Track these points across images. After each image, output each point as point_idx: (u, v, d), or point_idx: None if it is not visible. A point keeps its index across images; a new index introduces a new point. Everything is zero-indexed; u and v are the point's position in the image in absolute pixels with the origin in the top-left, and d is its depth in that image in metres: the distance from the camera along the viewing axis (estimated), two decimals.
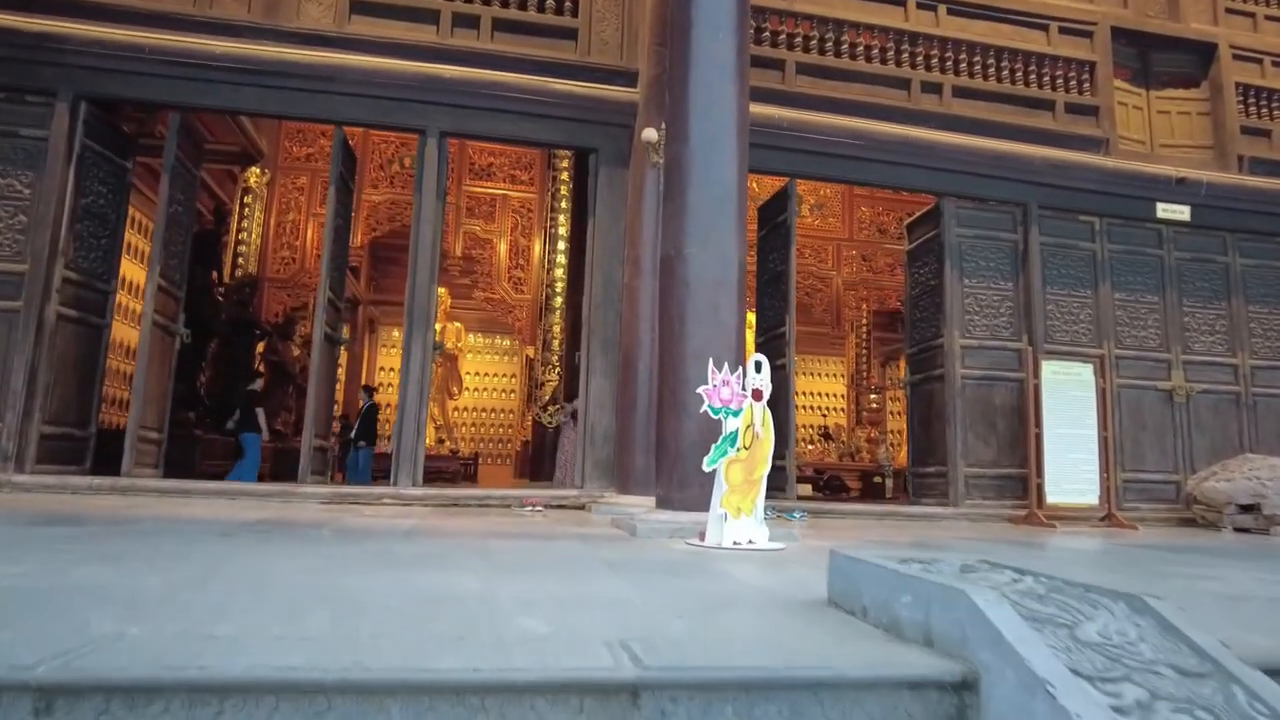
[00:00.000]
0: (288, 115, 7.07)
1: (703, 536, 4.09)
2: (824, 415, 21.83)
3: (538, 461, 16.56)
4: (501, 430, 28.43)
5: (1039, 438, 7.45)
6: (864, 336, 23.00)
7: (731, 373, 4.14)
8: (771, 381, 4.91)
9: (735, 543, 3.96)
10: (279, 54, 6.71)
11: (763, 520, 4.19)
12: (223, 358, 13.48)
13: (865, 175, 8.21)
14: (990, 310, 8.23)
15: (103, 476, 6.28)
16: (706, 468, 3.98)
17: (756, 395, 4.21)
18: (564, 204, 16.09)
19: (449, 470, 19.76)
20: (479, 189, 17.65)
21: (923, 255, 8.62)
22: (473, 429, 27.93)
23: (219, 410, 12.92)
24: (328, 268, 6.94)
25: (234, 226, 15.39)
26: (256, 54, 6.66)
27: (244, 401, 8.30)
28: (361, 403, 8.19)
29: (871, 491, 17.42)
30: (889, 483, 18.26)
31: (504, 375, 28.51)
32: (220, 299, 13.49)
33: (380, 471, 10.90)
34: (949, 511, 7.63)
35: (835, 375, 22.67)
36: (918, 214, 8.94)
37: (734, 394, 4.10)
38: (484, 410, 28.35)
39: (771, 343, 7.86)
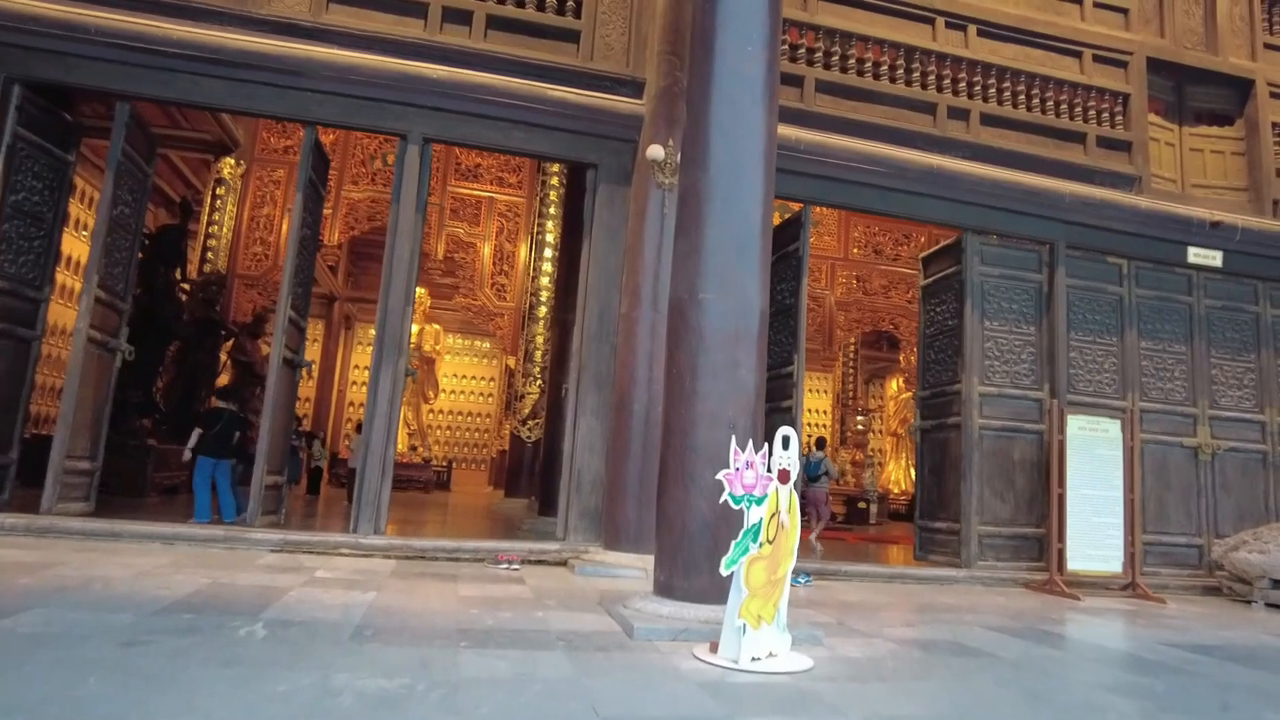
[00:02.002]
0: (253, 111, 6.32)
1: (715, 648, 3.43)
2: (809, 435, 21.28)
3: (515, 476, 15.85)
4: (478, 435, 27.69)
5: (1062, 498, 6.87)
6: (852, 356, 22.55)
7: (756, 450, 3.48)
8: (780, 424, 4.29)
9: (755, 658, 3.30)
10: (246, 43, 5.96)
11: (785, 628, 3.53)
12: (184, 361, 12.61)
13: (885, 205, 7.60)
14: (1011, 356, 7.65)
15: (19, 515, 5.50)
16: (725, 571, 3.32)
17: (783, 477, 3.56)
18: (553, 210, 15.41)
19: (421, 479, 18.98)
20: (464, 190, 16.92)
21: (941, 292, 8.02)
22: (448, 432, 27.16)
23: (177, 418, 12.08)
24: (290, 282, 6.19)
25: (204, 219, 14.54)
26: (220, 42, 5.91)
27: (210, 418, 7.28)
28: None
29: (855, 517, 16.92)
30: (874, 508, 17.78)
31: (483, 378, 27.78)
32: (184, 298, 12.62)
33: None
34: (961, 574, 7.02)
35: (821, 392, 22.18)
36: (937, 246, 8.35)
37: (758, 478, 3.44)
38: (460, 414, 27.60)
39: (776, 383, 7.21)
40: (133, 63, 5.81)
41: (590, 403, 6.51)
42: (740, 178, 4.41)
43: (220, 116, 12.12)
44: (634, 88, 6.82)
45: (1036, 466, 7.51)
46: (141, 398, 11.12)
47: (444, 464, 22.35)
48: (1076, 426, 7.03)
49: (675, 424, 4.22)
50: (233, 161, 14.64)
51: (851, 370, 22.88)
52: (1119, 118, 8.10)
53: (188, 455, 6.95)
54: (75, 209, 11.56)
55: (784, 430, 3.60)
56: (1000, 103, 7.83)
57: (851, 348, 21.80)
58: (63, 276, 12.00)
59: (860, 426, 22.66)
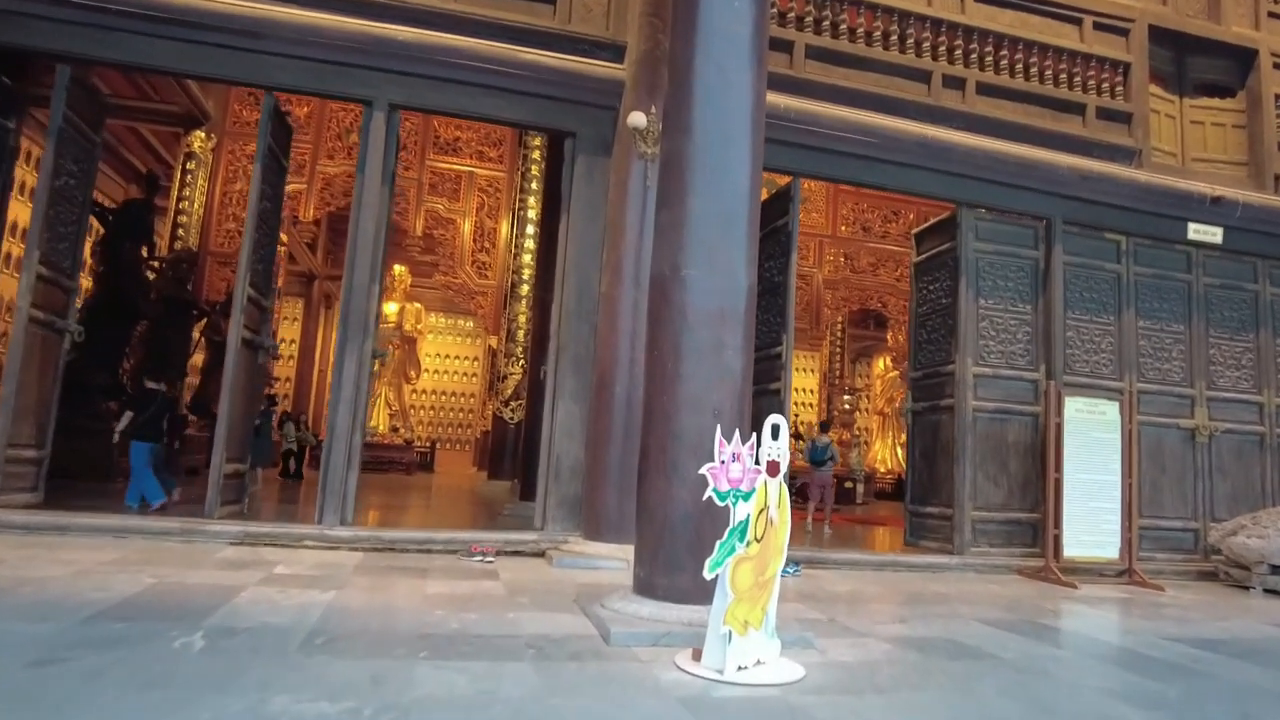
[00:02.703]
0: (208, 76, 5.92)
1: (698, 655, 3.16)
2: (795, 414, 21.12)
3: (498, 458, 15.55)
4: (461, 415, 27.34)
5: (1059, 483, 6.65)
6: (839, 335, 22.35)
7: (744, 438, 3.18)
8: (767, 407, 4.02)
9: (741, 668, 3.03)
10: (199, 1, 5.54)
11: (774, 632, 3.27)
12: (154, 341, 12.15)
13: (877, 177, 7.29)
14: (1007, 336, 7.39)
15: None
16: (709, 574, 3.03)
17: (772, 469, 3.27)
18: (535, 185, 14.98)
19: (403, 461, 18.63)
20: (443, 164, 16.40)
21: (934, 270, 7.74)
22: (431, 413, 26.79)
23: (145, 401, 11.64)
24: (248, 259, 5.81)
25: (174, 195, 14.01)
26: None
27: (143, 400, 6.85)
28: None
29: (842, 496, 16.78)
30: (860, 488, 17.66)
31: (466, 358, 27.39)
32: (153, 275, 12.15)
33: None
34: (954, 561, 6.81)
35: (808, 371, 22.01)
36: (930, 222, 8.05)
37: (745, 471, 3.15)
38: (444, 394, 27.22)
39: (764, 365, 6.92)
40: (74, 21, 5.38)
41: (569, 385, 6.20)
42: (727, 144, 4.09)
43: (188, 87, 11.63)
44: (614, 52, 6.45)
45: (1031, 450, 7.29)
46: (106, 379, 10.69)
47: (427, 445, 22.00)
48: (1074, 409, 6.80)
49: (656, 409, 3.93)
50: (203, 135, 14.09)
51: (839, 349, 22.70)
52: (1119, 88, 7.81)
53: (117, 437, 6.64)
54: (31, 177, 11.00)
55: (773, 418, 3.31)
56: (997, 72, 7.52)
57: (839, 326, 21.59)
58: (10, 245, 11.53)
59: (847, 406, 22.51)
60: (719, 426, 3.45)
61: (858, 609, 4.75)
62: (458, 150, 16.45)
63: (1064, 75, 7.66)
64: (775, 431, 3.31)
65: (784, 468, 3.34)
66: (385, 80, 5.93)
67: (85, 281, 14.18)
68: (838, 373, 22.56)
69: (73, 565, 4.27)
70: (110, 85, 12.04)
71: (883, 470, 21.07)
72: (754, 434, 3.25)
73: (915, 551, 7.18)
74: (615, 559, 5.51)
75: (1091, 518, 6.68)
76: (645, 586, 3.81)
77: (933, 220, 8.02)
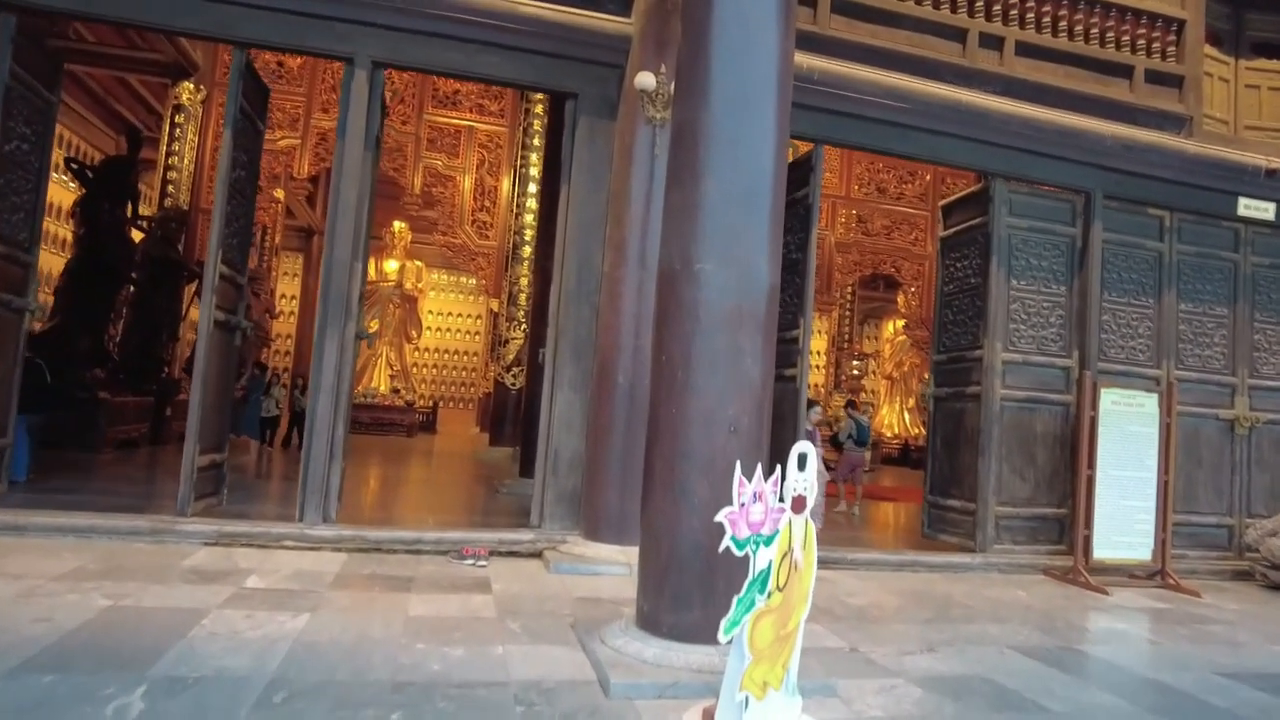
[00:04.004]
0: (169, 28, 5.35)
1: (709, 717, 2.75)
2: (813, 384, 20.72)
3: (499, 423, 15.22)
4: (464, 374, 26.98)
5: (1091, 480, 6.23)
6: (849, 297, 21.82)
7: (765, 460, 2.73)
8: (777, 399, 3.59)
9: None
10: None
11: (795, 689, 2.86)
12: (141, 305, 11.68)
13: (906, 145, 6.71)
14: (1039, 319, 6.89)
15: None
16: (724, 636, 2.61)
17: (798, 505, 2.83)
18: (537, 141, 14.33)
19: (404, 423, 18.29)
20: (442, 119, 15.71)
21: (963, 246, 7.20)
22: (434, 371, 26.44)
23: (134, 367, 11.24)
24: (220, 233, 5.31)
25: (162, 150, 13.40)
26: None
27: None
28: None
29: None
30: (868, 455, 17.33)
31: (468, 315, 26.92)
32: (139, 235, 11.62)
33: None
34: (976, 561, 6.42)
35: (817, 333, 21.52)
36: (960, 194, 7.49)
37: (768, 512, 2.71)
38: (446, 352, 26.83)
39: (779, 348, 6.42)
40: None
41: (569, 373, 5.74)
42: (749, 113, 3.56)
43: (175, 36, 10.94)
44: (619, 3, 5.86)
45: (1059, 441, 6.85)
46: (91, 345, 10.28)
47: (429, 405, 21.68)
48: (1110, 401, 6.34)
49: (664, 423, 3.47)
50: (191, 86, 13.41)
51: (848, 313, 22.20)
52: (1171, 49, 7.16)
53: None
54: None
55: (800, 447, 2.85)
56: (1039, 30, 6.87)
57: (848, 289, 21.05)
58: None
59: (856, 372, 22.08)
60: (738, 456, 3.02)
61: (881, 630, 4.35)
62: (457, 104, 15.75)
63: (1111, 34, 7.02)
64: (802, 461, 2.85)
65: (811, 502, 2.90)
66: (367, 34, 5.35)
67: (54, 255, 13.73)
68: (846, 336, 22.09)
69: (19, 581, 3.87)
70: (96, 34, 11.40)
71: (889, 435, 20.73)
72: (777, 466, 2.80)
73: (935, 548, 6.78)
74: (616, 563, 5.13)
75: (1124, 517, 6.27)
76: (650, 622, 3.41)
77: (962, 192, 7.46)
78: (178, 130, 13.40)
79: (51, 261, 13.28)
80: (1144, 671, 4.05)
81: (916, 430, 21.85)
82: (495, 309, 17.80)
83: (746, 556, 2.72)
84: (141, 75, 13.33)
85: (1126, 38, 7.04)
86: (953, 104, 6.53)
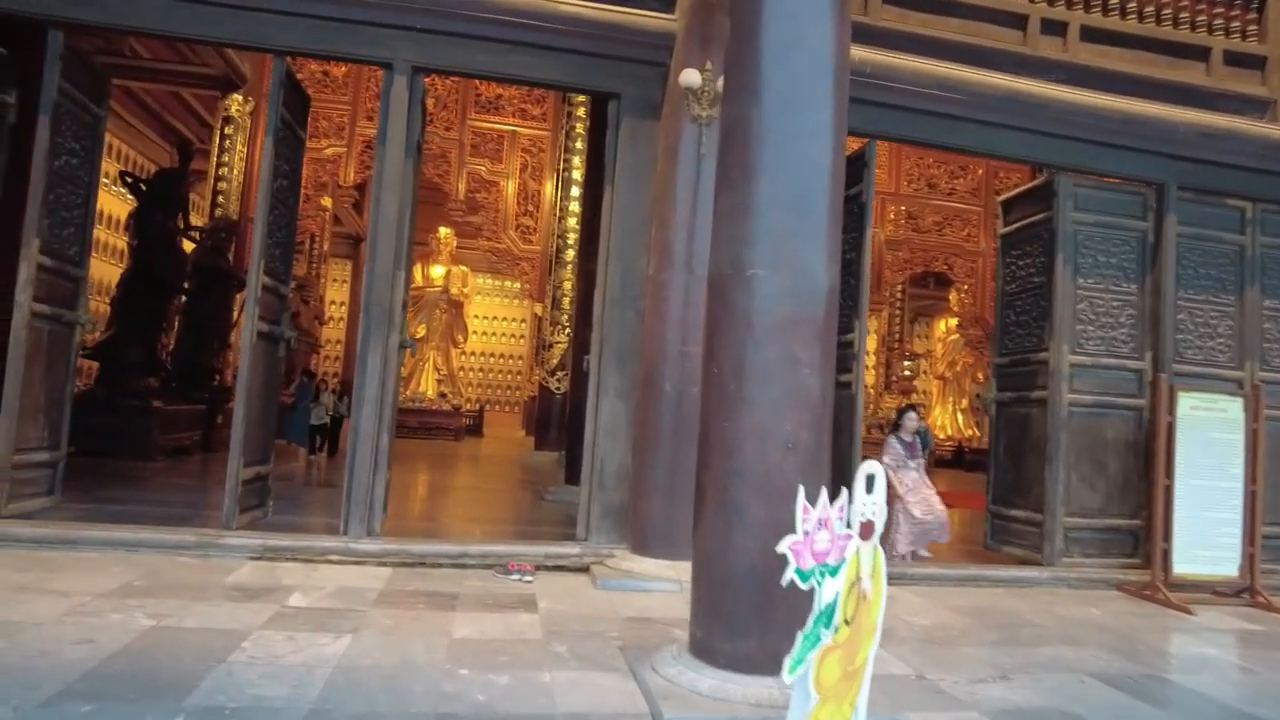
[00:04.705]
0: (202, 37, 5.36)
1: None
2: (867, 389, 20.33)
3: (544, 428, 15.15)
4: (510, 377, 27.10)
5: (1169, 491, 5.84)
6: (899, 296, 21.35)
7: (825, 478, 2.53)
8: (838, 405, 3.35)
9: None
10: None
11: None
12: (192, 314, 11.89)
13: (962, 139, 6.40)
14: (1108, 319, 6.51)
15: None
16: (788, 677, 2.41)
17: (866, 531, 2.61)
18: (579, 144, 14.26)
19: (451, 427, 18.39)
20: (485, 124, 15.69)
21: (1025, 243, 6.85)
22: (480, 374, 26.61)
23: (186, 375, 11.43)
24: (262, 243, 5.28)
25: (213, 161, 13.65)
26: None
27: None
28: None
29: None
30: (921, 460, 16.86)
31: (513, 319, 27.04)
32: (191, 246, 11.81)
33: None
34: (1044, 575, 6.08)
35: (868, 332, 21.04)
36: (1020, 188, 7.16)
37: (834, 540, 2.50)
38: (492, 355, 26.98)
39: None
40: None
41: (614, 381, 5.58)
42: (803, 109, 3.35)
43: (223, 49, 11.10)
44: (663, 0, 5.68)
45: (1132, 448, 6.47)
46: (143, 356, 10.46)
47: (476, 408, 21.80)
48: (1189, 406, 5.94)
49: (715, 438, 3.28)
50: (240, 98, 13.61)
51: (898, 311, 21.72)
52: (1251, 28, 6.73)
53: None
54: None
55: (868, 467, 2.64)
56: (1105, 13, 6.51)
57: (898, 288, 20.57)
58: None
59: (907, 372, 21.59)
60: (796, 474, 2.81)
61: (948, 654, 4.09)
62: (500, 109, 15.74)
63: (1185, 15, 6.61)
64: (870, 483, 2.64)
65: (879, 527, 2.68)
66: (404, 39, 5.27)
67: (108, 266, 14.07)
68: (897, 336, 21.61)
69: (65, 599, 3.85)
70: (150, 49, 11.65)
71: (941, 437, 20.18)
72: (843, 489, 2.58)
73: (999, 561, 6.46)
74: (665, 579, 4.95)
75: (1206, 529, 5.87)
76: (704, 650, 3.21)
77: (1022, 187, 7.11)
78: (227, 141, 13.63)
79: (109, 272, 13.64)
80: (1239, 705, 3.72)
81: (970, 431, 21.25)
82: (539, 313, 17.78)
83: (811, 596, 2.53)
84: (193, 89, 13.60)
85: (1202, 18, 6.63)
86: (1012, 94, 6.21)
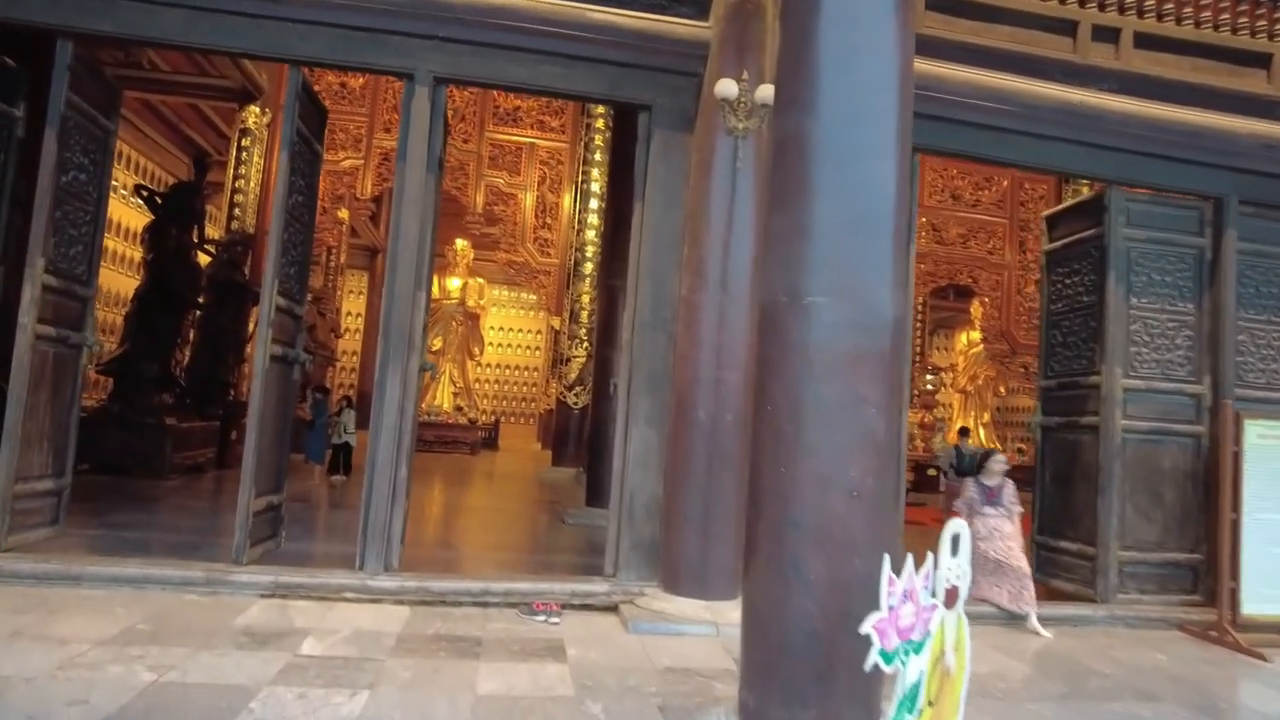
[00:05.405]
0: (219, 48, 5.13)
1: None
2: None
3: (561, 442, 14.90)
4: (525, 389, 26.90)
5: (1236, 525, 5.48)
6: (920, 308, 20.96)
7: (917, 568, 2.22)
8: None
9: None
10: None
11: None
12: (207, 328, 11.70)
13: (1008, 152, 6.08)
14: (1163, 341, 6.17)
15: None
16: None
17: (950, 598, 2.31)
18: (598, 156, 14.05)
19: (467, 441, 18.14)
20: (503, 136, 15.51)
21: (1072, 260, 6.51)
22: (495, 386, 26.42)
23: (200, 391, 11.24)
24: (276, 262, 5.03)
25: (229, 174, 13.52)
26: None
27: None
28: None
29: (925, 485, 15.82)
30: (944, 476, 16.51)
31: (529, 330, 26.86)
32: (205, 260, 11.64)
33: None
34: (1099, 613, 5.72)
35: None
36: (1067, 203, 6.84)
37: (919, 613, 2.20)
38: (508, 368, 26.81)
39: None
40: None
41: (644, 408, 5.28)
42: (865, 123, 3.06)
43: (240, 60, 10.96)
44: (695, 5, 5.42)
45: (1190, 477, 6.11)
46: (158, 372, 10.26)
47: (491, 420, 21.57)
48: (1255, 434, 5.58)
49: (769, 485, 2.98)
50: (257, 110, 13.47)
51: (918, 324, 21.32)
52: None
53: None
54: None
55: (954, 525, 2.33)
56: (1160, 19, 6.18)
57: (920, 300, 20.19)
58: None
59: (930, 387, 21.16)
60: (861, 526, 2.51)
61: (1013, 713, 3.75)
62: (518, 120, 15.56)
63: (1244, 21, 6.27)
64: (955, 544, 2.33)
65: (964, 591, 2.37)
66: (426, 49, 5.02)
67: (122, 278, 13.92)
68: (917, 349, 21.21)
69: (62, 647, 3.58)
70: (169, 61, 11.53)
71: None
72: (929, 554, 2.27)
73: (1047, 595, 6.09)
74: (700, 622, 4.64)
75: (1276, 567, 5.50)
76: (756, 718, 2.90)
77: (1069, 201, 6.80)
78: (244, 154, 13.50)
79: (123, 284, 13.50)
80: None
81: (992, 446, 20.82)
82: (556, 326, 17.54)
83: (871, 640, 2.21)
84: (210, 101, 13.51)
85: (1262, 24, 6.28)
86: (1062, 105, 5.90)
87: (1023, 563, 5.45)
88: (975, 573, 5.52)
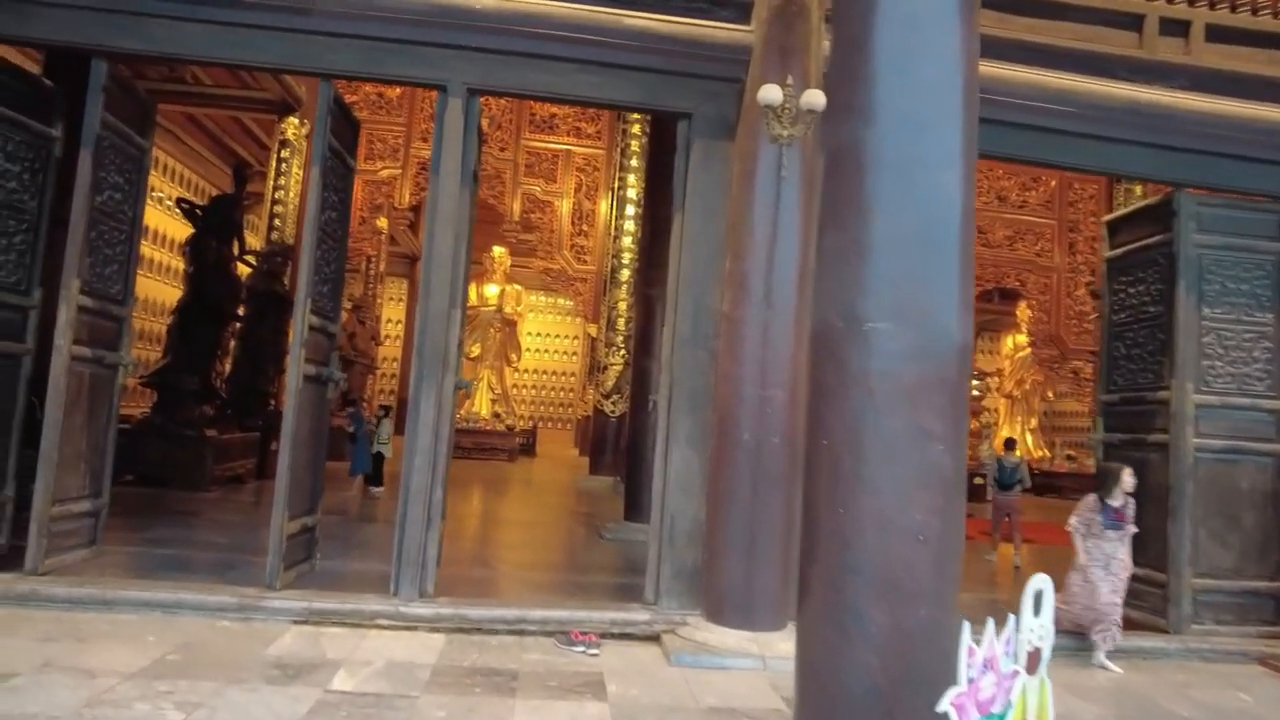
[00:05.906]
0: (247, 63, 5.08)
1: None
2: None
3: (599, 451, 14.75)
4: (563, 395, 26.91)
5: None
6: None
7: (998, 632, 1.98)
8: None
9: None
10: None
11: None
12: (247, 340, 11.79)
13: (1071, 155, 5.77)
14: (1239, 353, 5.79)
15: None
16: None
17: (1032, 662, 2.07)
18: (635, 162, 13.88)
19: (504, 448, 18.10)
20: (539, 143, 15.45)
21: (1137, 268, 6.16)
22: (533, 392, 26.46)
23: (240, 403, 11.31)
24: (309, 280, 4.93)
25: (269, 185, 13.64)
26: None
27: None
28: None
29: (971, 493, 15.33)
30: (991, 487, 16.01)
31: (566, 336, 26.87)
32: (246, 272, 11.72)
33: None
34: (1172, 646, 5.37)
35: None
36: (1130, 208, 6.49)
37: (1000, 682, 1.96)
38: (545, 373, 26.84)
39: None
40: (93, 6, 4.55)
41: (685, 428, 5.08)
42: (928, 133, 2.83)
43: (276, 74, 11.02)
44: (736, 8, 5.20)
45: (1270, 499, 5.72)
46: (198, 384, 10.32)
47: (529, 426, 21.55)
48: None
49: (825, 526, 2.75)
50: (296, 121, 13.58)
51: None
52: None
53: None
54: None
55: (1037, 581, 2.09)
56: (1234, 9, 5.81)
57: None
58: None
59: (976, 393, 20.58)
60: (927, 573, 2.28)
61: None
62: (554, 128, 15.50)
63: None
64: (1038, 603, 2.09)
65: (1047, 653, 2.13)
66: (460, 59, 4.89)
67: (164, 287, 14.11)
68: None
69: (90, 680, 3.49)
70: (213, 75, 11.66)
71: None
72: (1010, 617, 2.04)
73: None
74: (746, 655, 4.42)
75: None
76: None
77: (1133, 206, 6.45)
78: (283, 165, 13.61)
79: (166, 294, 13.68)
80: None
81: (1040, 452, 20.20)
82: (593, 334, 17.42)
83: (939, 695, 1.98)
84: (251, 113, 13.64)
85: None
86: (1128, 104, 5.58)
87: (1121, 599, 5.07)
88: (1075, 605, 5.09)
